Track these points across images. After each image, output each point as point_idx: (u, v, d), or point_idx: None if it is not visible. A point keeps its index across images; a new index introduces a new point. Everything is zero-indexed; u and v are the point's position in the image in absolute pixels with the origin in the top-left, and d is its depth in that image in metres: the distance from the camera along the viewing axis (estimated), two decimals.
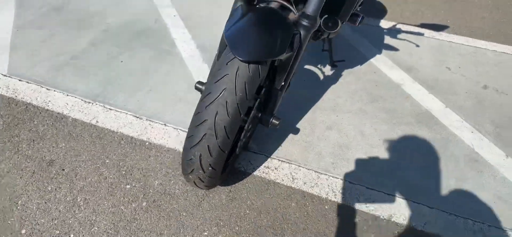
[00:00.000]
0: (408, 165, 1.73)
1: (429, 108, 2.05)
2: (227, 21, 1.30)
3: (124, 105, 1.96)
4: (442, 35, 2.66)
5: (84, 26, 2.54)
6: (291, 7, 1.42)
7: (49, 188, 1.55)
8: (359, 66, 2.33)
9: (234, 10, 1.37)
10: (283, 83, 1.41)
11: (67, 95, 2.00)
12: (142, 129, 1.84)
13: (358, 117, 1.98)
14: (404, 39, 2.57)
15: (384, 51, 2.47)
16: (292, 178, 1.65)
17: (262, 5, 1.41)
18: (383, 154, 1.78)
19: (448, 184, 1.66)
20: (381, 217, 1.52)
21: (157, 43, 2.44)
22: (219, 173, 1.33)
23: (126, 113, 1.92)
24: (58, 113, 1.89)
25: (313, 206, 1.54)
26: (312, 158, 1.73)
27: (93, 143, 1.75)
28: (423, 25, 2.74)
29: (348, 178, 1.65)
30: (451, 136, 1.90)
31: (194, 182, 1.34)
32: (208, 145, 1.21)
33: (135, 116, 1.90)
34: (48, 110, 1.90)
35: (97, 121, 1.86)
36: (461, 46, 2.56)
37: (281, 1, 1.43)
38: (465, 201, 1.60)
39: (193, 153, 1.24)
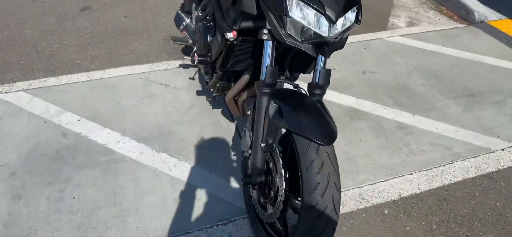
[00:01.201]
0: (371, 151, 2.23)
1: (350, 104, 2.61)
2: (282, 115, 1.37)
3: None
4: None
5: None
6: (293, 84, 1.65)
7: None
8: None
9: (272, 107, 1.42)
10: None
11: None
12: None
13: None
14: None
15: None
16: None
17: (285, 88, 1.55)
18: (349, 150, 2.22)
19: (401, 151, 2.25)
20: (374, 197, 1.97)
21: (90, 158, 2.12)
22: None
23: None
24: None
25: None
26: None
27: None
28: None
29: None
30: (377, 117, 2.51)
31: None
32: (332, 227, 1.33)
33: None
34: None
35: None
36: None
37: (286, 82, 1.65)
38: (419, 157, 2.21)
39: None
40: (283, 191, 1.46)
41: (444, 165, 2.16)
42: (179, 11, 2.56)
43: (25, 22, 3.39)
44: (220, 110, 2.51)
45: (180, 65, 2.92)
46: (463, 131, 2.41)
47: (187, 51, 3.03)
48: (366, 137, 2.33)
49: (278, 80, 1.62)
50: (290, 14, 1.28)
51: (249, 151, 1.64)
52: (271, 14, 1.34)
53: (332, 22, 1.29)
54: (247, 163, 1.78)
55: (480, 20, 3.81)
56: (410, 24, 3.76)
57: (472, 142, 2.32)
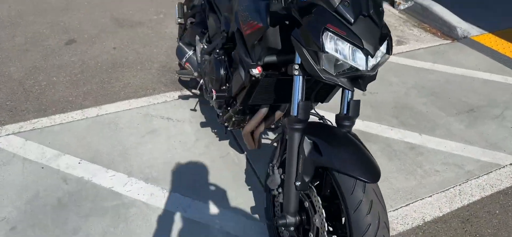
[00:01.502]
0: (387, 175, 2.21)
1: (357, 127, 2.59)
2: (320, 153, 1.33)
3: None
4: None
5: None
6: (318, 115, 1.62)
7: None
8: None
9: (306, 143, 1.37)
10: None
11: None
12: None
13: None
14: None
15: None
16: None
17: (314, 122, 1.50)
18: None
19: (416, 173, 2.24)
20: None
21: (97, 205, 1.99)
22: None
23: None
24: None
25: None
26: None
27: None
28: None
29: None
30: (385, 139, 2.50)
31: None
32: None
33: None
34: None
35: None
36: None
37: (314, 115, 1.61)
38: (434, 178, 2.21)
39: None
40: (325, 232, 1.39)
41: (460, 184, 2.17)
42: (180, 44, 2.49)
43: (8, 59, 3.21)
44: (227, 141, 2.43)
45: (179, 97, 2.83)
46: (470, 147, 2.44)
47: (186, 82, 2.94)
48: (379, 160, 2.29)
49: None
50: (326, 50, 1.24)
51: (279, 190, 1.58)
52: (305, 50, 1.30)
53: (370, 55, 1.26)
54: (272, 200, 1.72)
55: (463, 36, 3.94)
56: (399, 42, 3.84)
57: (481, 158, 2.35)
